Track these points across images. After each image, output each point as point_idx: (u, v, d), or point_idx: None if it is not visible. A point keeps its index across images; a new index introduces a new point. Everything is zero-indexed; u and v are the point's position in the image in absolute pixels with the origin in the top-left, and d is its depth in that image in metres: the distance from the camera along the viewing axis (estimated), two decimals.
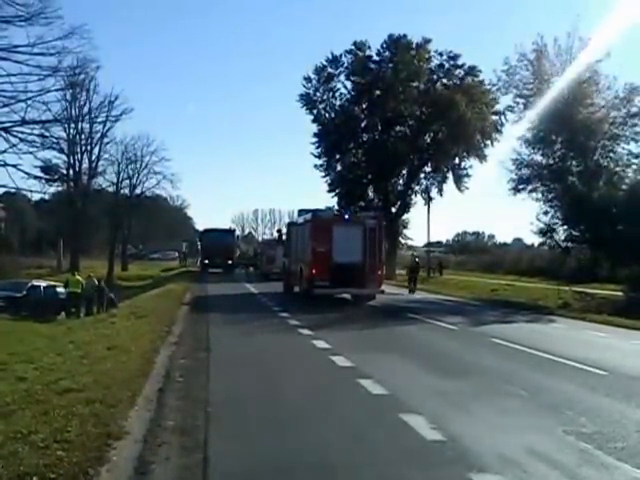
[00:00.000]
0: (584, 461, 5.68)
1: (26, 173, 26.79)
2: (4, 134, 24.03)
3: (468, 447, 5.91)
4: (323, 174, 49.51)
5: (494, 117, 45.55)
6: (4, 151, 24.33)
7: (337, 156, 49.22)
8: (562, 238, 36.38)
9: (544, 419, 7.18)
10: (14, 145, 24.21)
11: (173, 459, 5.54)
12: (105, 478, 4.95)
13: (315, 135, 48.98)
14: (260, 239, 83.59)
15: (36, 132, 24.99)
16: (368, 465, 5.50)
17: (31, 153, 25.51)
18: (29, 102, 24.17)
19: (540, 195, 36.47)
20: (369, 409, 7.49)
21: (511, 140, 39.03)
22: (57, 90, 28.37)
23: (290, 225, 29.73)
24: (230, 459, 5.60)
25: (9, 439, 5.56)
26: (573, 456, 5.81)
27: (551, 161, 36.41)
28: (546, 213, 36.10)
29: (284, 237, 31.46)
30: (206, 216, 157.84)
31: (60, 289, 26.41)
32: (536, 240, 43.78)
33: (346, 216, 23.14)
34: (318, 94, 48.65)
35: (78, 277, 26.17)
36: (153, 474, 5.19)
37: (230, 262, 49.59)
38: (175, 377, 9.08)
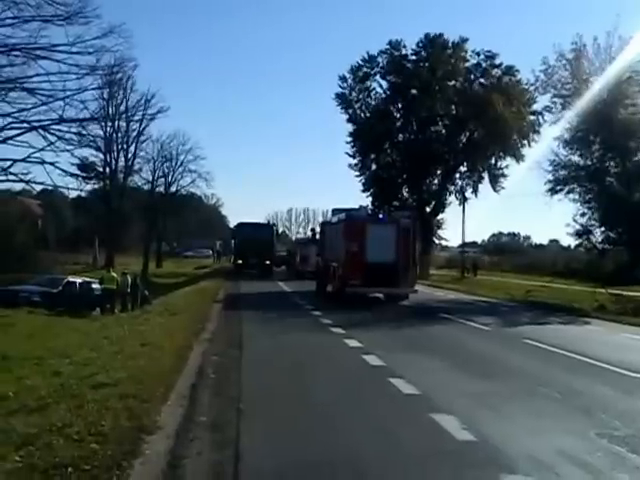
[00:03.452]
0: (617, 464, 5.60)
1: (64, 171, 27.15)
2: (42, 132, 24.43)
3: (499, 448, 5.86)
4: (358, 173, 49.53)
5: (532, 117, 44.93)
6: (42, 149, 24.75)
7: (372, 155, 49.16)
8: (599, 240, 35.83)
9: (577, 422, 7.07)
10: (52, 143, 24.60)
11: (205, 454, 5.59)
12: (138, 471, 5.02)
13: (350, 134, 49.02)
14: (294, 238, 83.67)
15: (73, 130, 25.32)
16: (398, 464, 5.49)
17: (68, 151, 25.86)
18: (67, 100, 24.51)
19: (577, 196, 35.99)
20: (400, 408, 7.46)
21: (549, 141, 38.57)
22: (95, 89, 28.68)
23: (324, 224, 29.72)
24: (261, 455, 5.62)
25: (45, 431, 5.67)
26: (606, 459, 5.71)
27: (589, 162, 35.87)
28: (583, 215, 35.64)
29: (318, 236, 31.45)
30: (240, 214, 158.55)
31: (95, 285, 26.80)
32: (573, 242, 43.08)
33: (380, 216, 23.02)
34: (354, 94, 48.67)
35: (113, 274, 26.49)
36: (185, 468, 5.24)
37: (268, 262, 43.22)
38: (208, 373, 9.16)
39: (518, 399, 8.13)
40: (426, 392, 8.12)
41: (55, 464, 4.87)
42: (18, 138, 24.72)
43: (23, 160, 24.61)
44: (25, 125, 24.49)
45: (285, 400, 7.79)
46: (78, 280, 28.15)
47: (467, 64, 47.39)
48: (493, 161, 47.67)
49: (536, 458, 5.63)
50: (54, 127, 24.58)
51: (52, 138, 24.49)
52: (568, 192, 36.99)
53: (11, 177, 25.15)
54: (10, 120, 24.22)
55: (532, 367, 10.79)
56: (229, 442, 5.92)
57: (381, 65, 47.94)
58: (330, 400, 7.86)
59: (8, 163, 24.58)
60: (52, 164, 24.87)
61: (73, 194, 56.07)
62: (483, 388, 8.71)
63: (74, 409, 6.45)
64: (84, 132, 26.09)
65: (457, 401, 7.74)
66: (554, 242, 77.57)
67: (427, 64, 46.43)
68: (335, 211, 26.62)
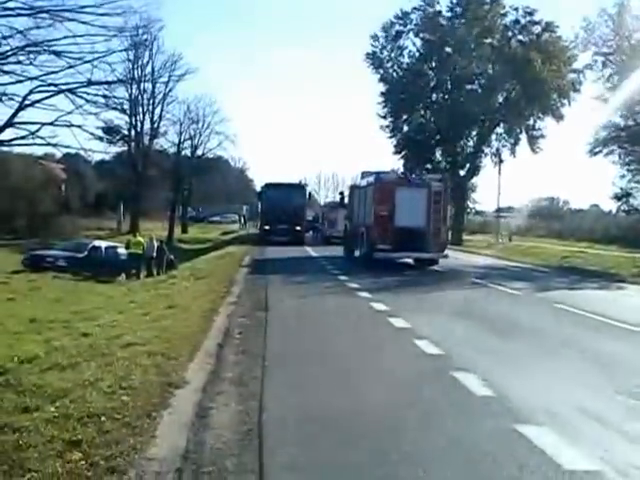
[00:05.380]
0: (632, 417, 5.76)
1: (91, 134, 27.35)
2: (70, 95, 24.46)
3: (516, 402, 6.00)
4: (389, 135, 48.65)
5: (572, 75, 43.41)
6: (70, 112, 24.84)
7: (404, 117, 47.96)
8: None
9: (596, 379, 7.19)
10: (80, 106, 24.68)
11: (231, 405, 5.82)
12: (167, 420, 5.24)
13: (381, 94, 47.95)
14: (322, 203, 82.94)
15: (101, 93, 25.38)
16: (416, 416, 5.67)
17: (95, 114, 25.91)
18: (95, 63, 24.43)
19: (617, 158, 35.07)
20: (422, 367, 7.58)
21: (589, 100, 37.52)
22: (122, 51, 28.72)
23: (352, 188, 29.05)
24: (284, 407, 5.84)
25: (78, 386, 5.95)
26: (623, 414, 5.84)
27: (631, 122, 34.78)
28: (623, 177, 34.76)
29: (346, 200, 31.15)
30: (268, 179, 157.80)
31: (121, 250, 27.02)
32: (614, 206, 42.09)
33: (410, 178, 22.73)
34: (385, 52, 47.34)
35: (139, 238, 26.63)
36: (212, 418, 5.47)
37: (299, 228, 39.13)
38: (234, 334, 9.31)
39: (540, 358, 8.21)
40: (449, 352, 8.18)
41: (89, 414, 5.14)
42: (46, 101, 24.89)
43: (51, 124, 24.83)
44: (53, 88, 24.59)
45: (309, 358, 7.98)
46: (103, 245, 28.47)
47: (505, 20, 45.89)
48: (531, 121, 46.32)
49: (552, 411, 5.77)
50: (81, 90, 24.63)
51: (80, 101, 24.58)
52: (608, 154, 36.05)
53: (38, 140, 25.39)
54: (38, 83, 24.30)
55: (558, 329, 10.80)
56: (254, 395, 6.13)
57: (415, 22, 46.55)
58: (354, 360, 8.00)
59: (36, 127, 24.85)
60: (79, 127, 25.00)
61: (97, 157, 56.07)
62: (506, 348, 8.82)
63: (104, 366, 6.71)
64: (110, 94, 26.11)
65: (479, 360, 7.82)
66: (595, 207, 75.73)
67: (463, 21, 44.91)
68: (364, 174, 26.21)
